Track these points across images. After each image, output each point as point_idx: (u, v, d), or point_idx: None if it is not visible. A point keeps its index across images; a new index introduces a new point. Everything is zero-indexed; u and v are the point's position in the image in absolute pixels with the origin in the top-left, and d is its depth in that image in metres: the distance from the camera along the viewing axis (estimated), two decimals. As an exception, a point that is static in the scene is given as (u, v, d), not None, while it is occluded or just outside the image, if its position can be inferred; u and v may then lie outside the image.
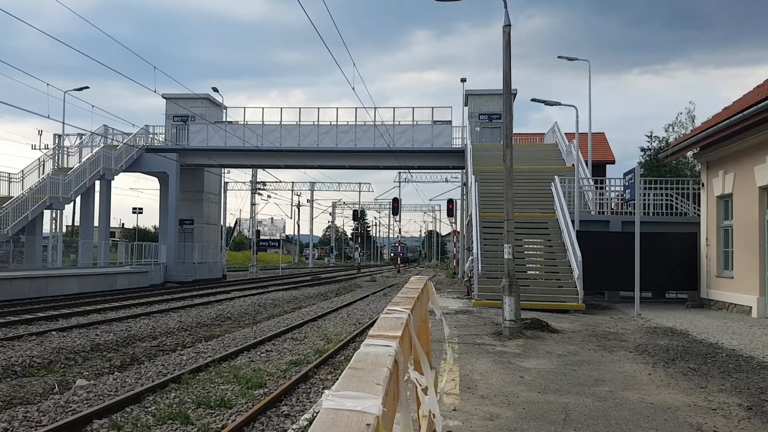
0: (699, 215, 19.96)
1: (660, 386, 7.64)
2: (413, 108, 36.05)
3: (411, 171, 48.19)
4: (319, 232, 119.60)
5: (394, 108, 36.61)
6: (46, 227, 32.78)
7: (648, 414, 6.31)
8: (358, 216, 73.94)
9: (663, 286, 20.69)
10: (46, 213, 31.17)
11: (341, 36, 20.41)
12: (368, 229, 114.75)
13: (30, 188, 29.35)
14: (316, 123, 35.72)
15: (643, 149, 48.40)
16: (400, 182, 58.28)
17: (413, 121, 35.49)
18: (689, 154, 24.01)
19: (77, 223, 42.06)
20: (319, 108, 39.99)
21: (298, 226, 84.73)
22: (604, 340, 11.40)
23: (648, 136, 48.58)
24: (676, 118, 47.01)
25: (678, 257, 19.05)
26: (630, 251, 15.97)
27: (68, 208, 38.18)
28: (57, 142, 35.36)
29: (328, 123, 35.77)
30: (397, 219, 64.95)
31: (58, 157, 33.80)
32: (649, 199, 22.39)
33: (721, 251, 17.97)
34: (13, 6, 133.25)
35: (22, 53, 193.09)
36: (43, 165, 32.00)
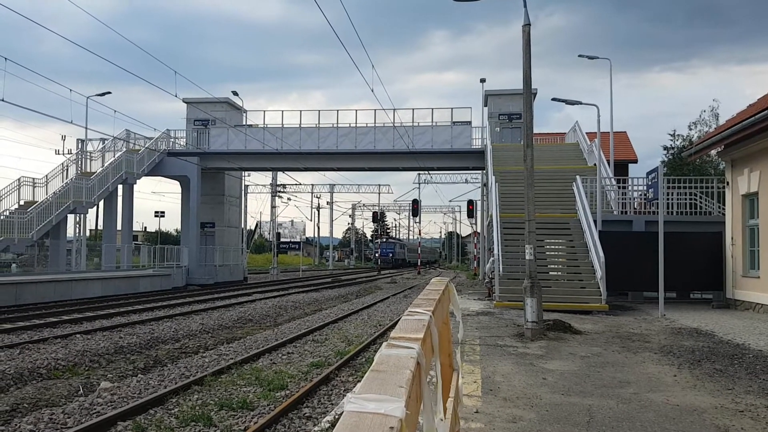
0: (724, 214, 19.66)
1: (685, 388, 7.53)
2: (432, 109, 36.04)
3: (430, 172, 48.09)
4: (339, 234, 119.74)
5: (413, 109, 36.60)
6: (70, 231, 33.20)
7: (674, 416, 6.21)
8: (378, 218, 74.05)
9: (688, 286, 20.39)
10: (70, 217, 31.57)
11: (359, 37, 20.39)
12: (388, 230, 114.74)
13: (54, 193, 29.75)
14: (335, 125, 35.80)
15: (665, 148, 47.64)
16: (419, 184, 58.16)
17: (432, 122, 35.42)
18: (713, 152, 23.67)
19: (101, 226, 42.59)
20: (338, 110, 40.17)
21: (318, 228, 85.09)
22: (628, 341, 11.27)
23: (671, 135, 47.74)
24: (700, 116, 46.05)
25: (703, 257, 18.76)
26: (654, 251, 15.76)
27: (91, 212, 38.64)
28: (80, 147, 35.80)
29: (348, 125, 35.85)
30: (417, 220, 64.79)
31: (82, 162, 34.22)
32: (672, 199, 22.11)
33: (747, 251, 17.68)
34: (35, 12, 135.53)
35: (45, 59, 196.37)
36: (67, 170, 32.42)
